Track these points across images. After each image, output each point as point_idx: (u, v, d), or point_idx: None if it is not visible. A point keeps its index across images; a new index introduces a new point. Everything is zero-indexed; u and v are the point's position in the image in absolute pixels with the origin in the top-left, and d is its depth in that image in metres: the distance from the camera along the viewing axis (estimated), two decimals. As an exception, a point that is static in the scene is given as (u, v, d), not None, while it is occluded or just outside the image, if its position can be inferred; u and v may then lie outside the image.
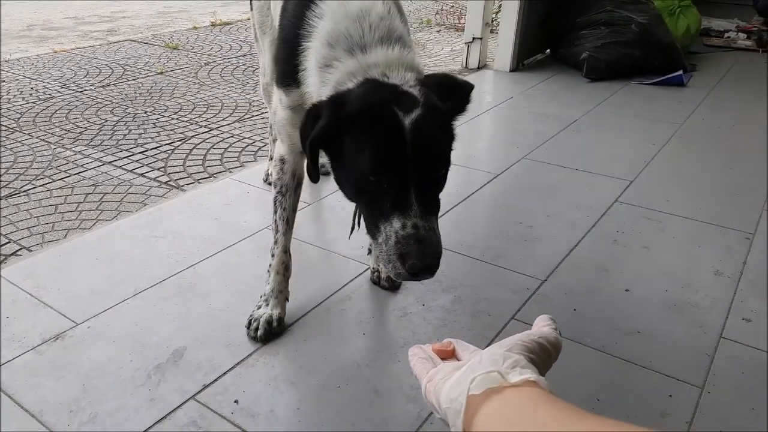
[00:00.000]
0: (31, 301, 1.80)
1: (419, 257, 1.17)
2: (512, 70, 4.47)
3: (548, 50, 4.93)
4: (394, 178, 1.19)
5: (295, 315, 1.78)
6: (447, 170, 1.28)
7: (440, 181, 1.28)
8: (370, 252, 1.98)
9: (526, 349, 0.81)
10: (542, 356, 0.83)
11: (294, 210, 1.75)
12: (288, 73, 1.50)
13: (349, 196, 1.33)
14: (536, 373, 0.75)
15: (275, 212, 1.73)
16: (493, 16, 4.96)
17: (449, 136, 1.31)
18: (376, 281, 1.91)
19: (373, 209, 1.25)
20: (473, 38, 4.54)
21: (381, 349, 1.66)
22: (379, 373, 1.57)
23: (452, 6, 6.85)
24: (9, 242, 2.16)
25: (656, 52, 4.32)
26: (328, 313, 1.80)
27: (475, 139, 3.29)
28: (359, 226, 1.76)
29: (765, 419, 1.44)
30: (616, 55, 4.25)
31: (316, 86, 1.39)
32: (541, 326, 0.91)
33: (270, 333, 1.66)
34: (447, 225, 2.28)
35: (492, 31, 4.84)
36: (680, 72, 4.17)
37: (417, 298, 1.85)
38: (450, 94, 1.32)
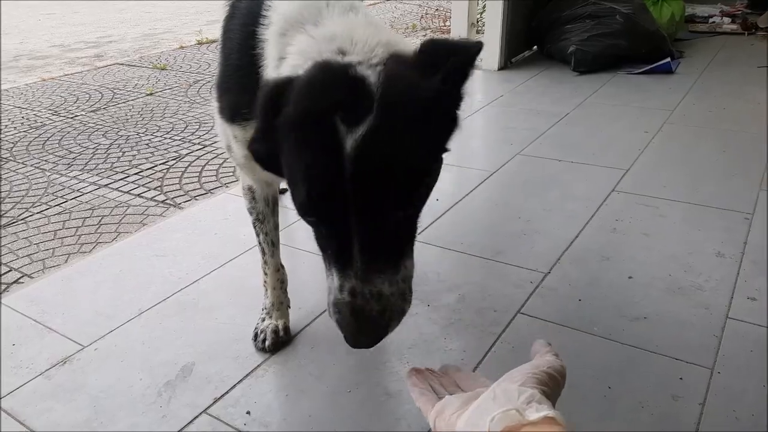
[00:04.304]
0: (36, 327, 1.79)
1: (351, 333, 0.95)
2: (500, 69, 4.48)
3: (535, 47, 4.95)
4: (330, 222, 0.92)
5: (301, 324, 1.78)
6: (424, 194, 0.98)
7: (407, 219, 0.97)
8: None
9: (539, 382, 0.81)
10: (552, 387, 0.82)
11: (276, 229, 1.69)
12: (245, 103, 1.22)
13: None
14: (551, 408, 0.76)
15: (258, 236, 1.68)
16: (478, 16, 4.99)
17: (430, 141, 0.95)
18: (379, 285, 1.90)
19: (317, 238, 1.00)
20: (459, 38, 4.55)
21: (389, 352, 1.66)
22: (389, 375, 1.57)
23: (436, 10, 6.89)
24: (10, 270, 2.16)
25: (642, 41, 4.34)
26: (328, 322, 1.79)
27: (468, 139, 3.30)
28: None
29: (777, 396, 1.45)
30: (602, 46, 4.27)
31: None
32: (544, 353, 0.90)
33: (278, 342, 1.66)
34: (445, 225, 2.29)
35: (478, 32, 4.86)
36: (668, 59, 4.19)
37: (421, 299, 1.85)
38: (440, 64, 0.96)
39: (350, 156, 0.85)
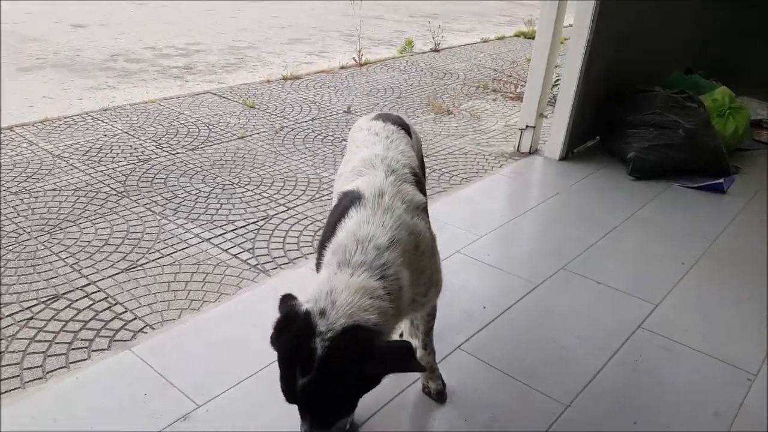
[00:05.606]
0: (160, 381, 2.29)
1: None
2: (561, 159, 4.83)
3: (598, 137, 5.25)
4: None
5: (362, 417, 2.21)
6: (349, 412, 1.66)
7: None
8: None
9: None
10: None
11: None
12: None
13: None
14: None
15: None
16: (550, 94, 5.27)
17: (346, 394, 1.52)
18: (427, 393, 2.33)
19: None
20: (526, 126, 4.93)
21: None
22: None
23: (510, 75, 7.26)
24: (135, 318, 2.67)
25: (701, 156, 4.58)
26: (384, 420, 2.22)
27: (519, 240, 3.68)
28: None
29: None
30: (661, 157, 4.55)
31: None
32: None
33: (345, 436, 2.10)
34: (488, 337, 2.68)
35: (542, 115, 5.16)
36: (721, 180, 4.42)
37: (459, 413, 2.27)
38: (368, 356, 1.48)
39: (299, 389, 1.46)
